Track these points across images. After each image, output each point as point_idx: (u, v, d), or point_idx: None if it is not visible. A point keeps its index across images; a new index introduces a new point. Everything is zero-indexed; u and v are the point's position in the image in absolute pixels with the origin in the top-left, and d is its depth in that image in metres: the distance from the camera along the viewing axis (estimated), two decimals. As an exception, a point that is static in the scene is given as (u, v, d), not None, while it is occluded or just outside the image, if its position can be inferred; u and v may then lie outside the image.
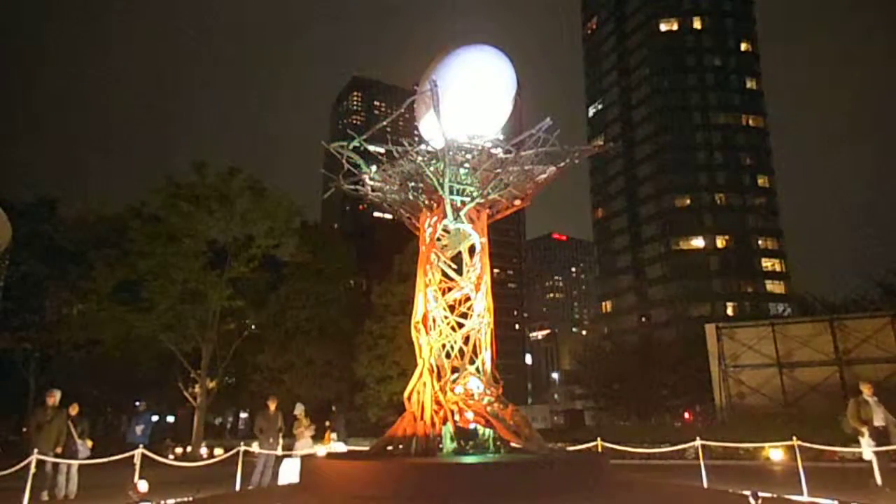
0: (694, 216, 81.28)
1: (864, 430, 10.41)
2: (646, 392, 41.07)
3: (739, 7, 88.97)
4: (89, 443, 12.16)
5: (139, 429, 16.19)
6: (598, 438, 14.04)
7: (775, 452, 16.37)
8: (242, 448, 12.26)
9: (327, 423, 18.35)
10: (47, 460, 10.69)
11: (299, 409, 14.41)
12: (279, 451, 12.95)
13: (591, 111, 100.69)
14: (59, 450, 11.20)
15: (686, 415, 46.91)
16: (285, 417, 13.59)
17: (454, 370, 10.46)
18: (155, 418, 26.00)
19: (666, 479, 12.73)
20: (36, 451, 9.75)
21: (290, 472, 11.60)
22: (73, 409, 12.12)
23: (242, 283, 28.92)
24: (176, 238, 26.90)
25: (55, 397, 11.39)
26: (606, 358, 46.05)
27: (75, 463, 11.39)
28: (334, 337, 35.93)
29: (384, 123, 11.86)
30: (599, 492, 8.48)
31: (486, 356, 10.45)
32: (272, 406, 13.48)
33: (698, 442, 11.98)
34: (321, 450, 14.08)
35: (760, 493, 7.94)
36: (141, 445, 11.39)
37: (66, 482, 11.43)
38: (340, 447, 14.60)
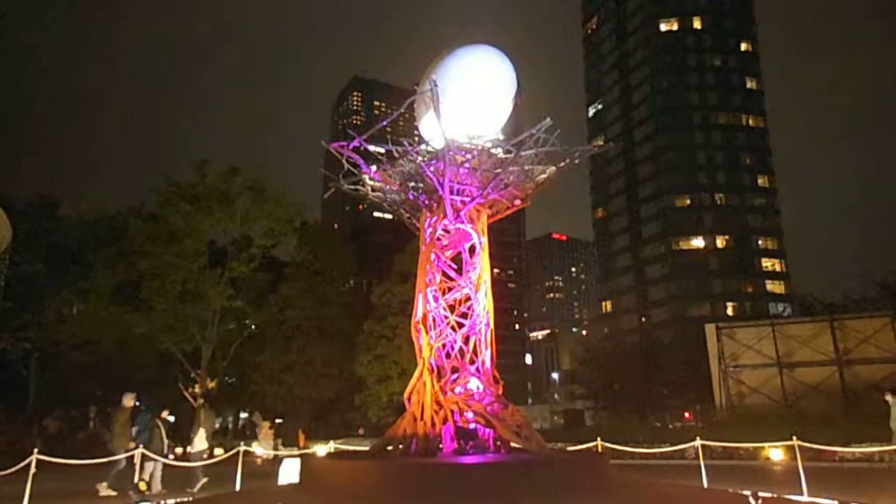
0: (694, 216, 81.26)
1: None
2: (646, 392, 41.10)
3: (739, 7, 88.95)
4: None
5: (134, 430, 15.96)
6: (598, 438, 14.05)
7: (775, 452, 16.39)
8: (242, 448, 12.29)
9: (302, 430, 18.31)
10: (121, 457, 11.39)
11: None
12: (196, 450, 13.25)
13: (591, 111, 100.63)
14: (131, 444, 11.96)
15: (686, 415, 46.96)
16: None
17: (454, 370, 10.46)
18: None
19: (666, 479, 12.72)
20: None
21: (290, 472, 11.59)
22: (165, 413, 13.00)
23: (242, 283, 28.92)
24: (176, 238, 26.90)
25: (132, 400, 12.34)
26: (606, 358, 46.04)
27: (161, 460, 12.01)
28: (334, 337, 35.86)
29: (384, 123, 11.89)
30: (599, 492, 8.48)
31: (486, 356, 10.45)
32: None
33: (698, 442, 11.99)
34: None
35: (760, 493, 7.94)
36: (141, 445, 11.39)
37: (152, 476, 12.06)
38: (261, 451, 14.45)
